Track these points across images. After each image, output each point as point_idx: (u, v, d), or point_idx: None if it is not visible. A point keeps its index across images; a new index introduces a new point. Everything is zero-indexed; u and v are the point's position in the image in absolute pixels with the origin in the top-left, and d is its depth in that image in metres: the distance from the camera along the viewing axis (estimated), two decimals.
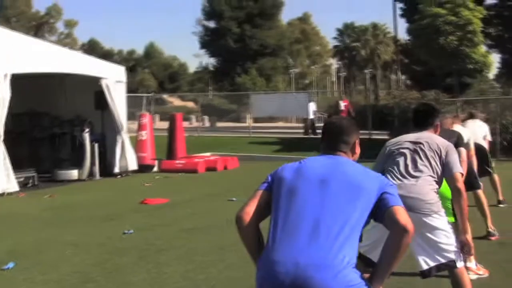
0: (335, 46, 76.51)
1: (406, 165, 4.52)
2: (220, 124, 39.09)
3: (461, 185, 4.48)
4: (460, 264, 4.43)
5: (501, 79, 42.52)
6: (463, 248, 4.50)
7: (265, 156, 22.42)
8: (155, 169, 18.14)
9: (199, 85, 60.74)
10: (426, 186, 4.41)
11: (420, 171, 4.48)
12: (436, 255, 4.36)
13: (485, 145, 9.82)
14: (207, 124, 39.35)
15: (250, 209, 3.01)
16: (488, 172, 9.81)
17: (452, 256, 4.38)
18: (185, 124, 24.56)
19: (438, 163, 4.52)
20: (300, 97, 32.61)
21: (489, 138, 10.25)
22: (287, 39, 61.14)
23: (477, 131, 9.51)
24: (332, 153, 3.11)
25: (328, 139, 3.19)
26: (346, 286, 2.67)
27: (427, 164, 4.52)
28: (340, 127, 3.21)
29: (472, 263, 5.97)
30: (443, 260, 4.37)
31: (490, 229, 7.89)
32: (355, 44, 71.92)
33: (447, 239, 4.39)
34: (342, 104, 29.17)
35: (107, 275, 6.47)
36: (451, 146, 4.71)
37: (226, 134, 31.44)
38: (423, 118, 4.94)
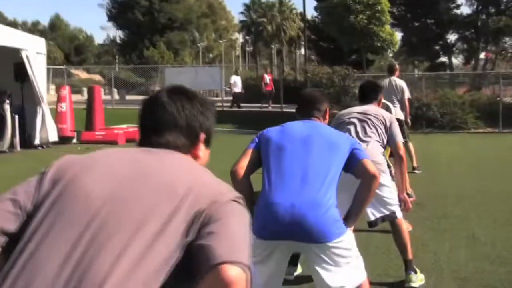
0: (242, 21, 77.07)
1: (356, 132, 5.12)
2: (129, 97, 38.82)
3: (402, 152, 5.19)
4: (399, 215, 5.19)
5: (400, 57, 44.50)
6: (402, 204, 5.23)
7: None
8: (74, 140, 18.15)
9: (106, 58, 59.79)
10: (375, 149, 5.02)
11: (369, 136, 5.10)
12: (381, 207, 5.06)
13: (401, 116, 10.65)
14: (116, 97, 38.96)
15: (243, 164, 3.62)
16: (404, 141, 10.67)
17: (394, 208, 5.12)
18: None
19: (384, 132, 5.17)
20: (212, 70, 32.98)
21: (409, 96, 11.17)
22: (195, 13, 61.06)
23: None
24: (308, 118, 3.76)
25: (304, 107, 3.87)
26: (334, 220, 3.36)
27: (375, 131, 5.14)
28: (314, 97, 3.97)
29: None
30: (386, 212, 5.09)
31: (408, 191, 8.70)
32: (262, 19, 72.67)
33: (390, 194, 5.10)
34: (268, 78, 29.88)
35: None
36: (393, 118, 5.43)
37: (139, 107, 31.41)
38: (369, 93, 5.61)
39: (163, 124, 1.86)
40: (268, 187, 3.43)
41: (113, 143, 17.61)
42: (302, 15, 40.95)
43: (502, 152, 15.22)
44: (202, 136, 1.90)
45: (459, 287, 5.07)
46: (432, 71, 37.89)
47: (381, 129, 5.17)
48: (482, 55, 40.95)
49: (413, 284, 5.05)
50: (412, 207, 5.83)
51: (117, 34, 62.62)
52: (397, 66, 11.81)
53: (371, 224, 5.17)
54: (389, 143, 5.21)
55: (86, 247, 1.52)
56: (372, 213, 5.05)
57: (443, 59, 44.31)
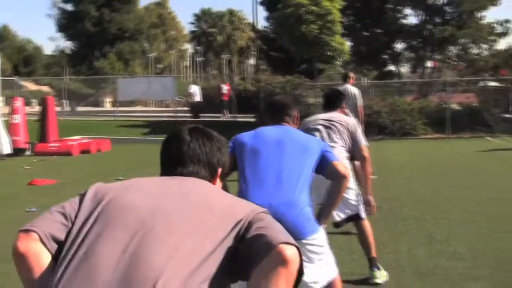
0: (192, 31, 77.12)
1: (322, 138, 5.35)
2: (79, 109, 38.49)
3: (367, 154, 5.44)
4: (363, 216, 5.44)
5: (349, 66, 45.22)
6: (367, 206, 5.49)
7: (136, 139, 22.81)
8: (28, 152, 17.99)
9: (55, 69, 58.94)
10: (340, 154, 5.26)
11: (335, 142, 5.34)
12: (346, 209, 5.30)
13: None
14: (66, 108, 38.58)
15: None
16: None
17: (357, 209, 5.36)
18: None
19: (348, 137, 5.43)
20: (164, 81, 33.02)
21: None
22: (145, 23, 60.84)
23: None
24: (279, 123, 3.99)
25: (276, 113, 4.10)
26: (307, 218, 3.58)
27: (340, 137, 5.40)
28: (285, 104, 4.21)
29: None
30: (352, 213, 5.33)
31: None
32: (212, 29, 72.89)
33: (355, 197, 5.36)
34: (225, 88, 29.98)
35: None
36: (356, 123, 5.68)
37: (90, 118, 31.19)
38: (333, 101, 5.87)
39: (187, 157, 2.09)
40: (245, 188, 3.62)
41: (67, 154, 17.52)
42: (253, 25, 41.26)
43: (450, 157, 15.76)
44: (220, 170, 2.16)
45: (420, 282, 5.35)
46: (380, 79, 38.63)
47: (345, 134, 5.42)
48: (429, 64, 41.92)
49: (377, 280, 5.32)
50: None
51: (67, 45, 62.28)
52: (351, 74, 12.11)
53: (337, 225, 5.42)
54: (354, 147, 5.45)
55: (138, 246, 1.74)
56: (337, 215, 5.29)
57: (391, 67, 45.16)
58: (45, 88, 48.10)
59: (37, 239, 1.82)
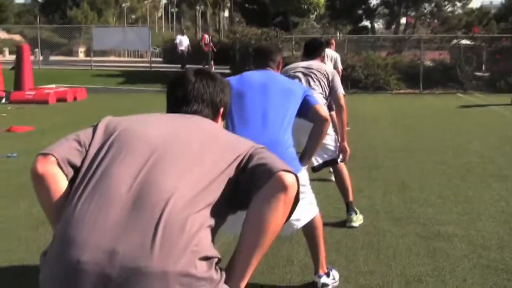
0: None
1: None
2: (52, 58, 38.03)
3: (343, 102, 5.65)
4: (340, 161, 5.68)
5: (322, 20, 45.22)
6: (342, 153, 5.73)
7: (111, 88, 22.81)
8: (3, 100, 17.92)
9: (27, 18, 57.84)
10: (319, 101, 5.48)
11: (313, 89, 5.52)
12: (324, 154, 5.54)
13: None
14: (40, 57, 38.09)
15: None
16: None
17: (335, 155, 5.60)
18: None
19: (326, 85, 5.62)
20: (140, 30, 32.78)
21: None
22: None
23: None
24: (263, 68, 4.17)
25: (260, 59, 4.29)
26: (291, 158, 3.76)
27: (318, 84, 5.58)
28: (269, 50, 4.41)
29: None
30: (328, 158, 5.57)
31: None
32: None
33: (332, 142, 5.60)
34: (207, 38, 29.93)
35: (17, 191, 6.96)
36: (335, 72, 5.87)
37: (64, 67, 30.94)
38: (313, 50, 6.03)
39: (192, 96, 2.25)
40: (232, 129, 3.78)
41: (43, 102, 17.51)
42: None
43: (422, 111, 16.10)
44: (222, 110, 2.32)
45: (394, 225, 5.63)
46: (354, 34, 38.74)
47: (324, 82, 5.60)
48: (403, 20, 42.11)
49: (353, 224, 5.59)
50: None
51: None
52: (332, 41, 12.47)
53: (315, 169, 5.64)
54: (331, 95, 5.65)
55: (150, 171, 1.90)
56: (316, 160, 5.52)
57: (366, 23, 45.28)
58: (17, 37, 47.35)
59: (55, 162, 1.96)
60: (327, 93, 5.61)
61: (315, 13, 27.42)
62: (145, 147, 1.97)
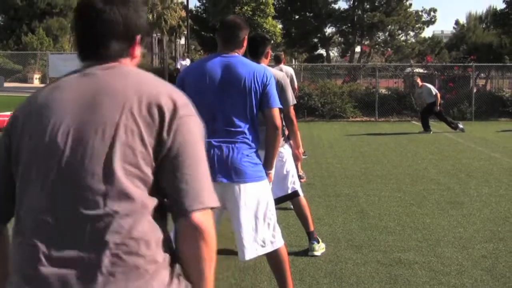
0: None
1: None
2: (6, 84, 37.46)
3: (292, 115, 5.50)
4: (300, 194, 5.72)
5: (278, 48, 45.72)
6: (296, 161, 5.75)
7: None
8: None
9: None
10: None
11: None
12: (283, 189, 5.59)
13: None
14: None
15: None
16: None
17: (294, 189, 5.65)
18: None
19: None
20: None
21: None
22: None
23: None
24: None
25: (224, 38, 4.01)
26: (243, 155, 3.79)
27: None
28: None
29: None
30: (289, 191, 5.63)
31: (300, 173, 9.37)
32: None
33: (291, 177, 5.64)
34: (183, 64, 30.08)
35: None
36: (286, 78, 5.62)
37: (19, 94, 30.48)
38: (256, 48, 5.29)
39: (102, 33, 1.85)
40: None
41: None
42: (184, 5, 41.07)
43: (379, 138, 16.33)
44: (138, 37, 1.92)
45: (355, 253, 5.70)
46: (310, 62, 39.22)
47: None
48: (358, 49, 42.84)
49: (315, 253, 5.63)
50: (304, 187, 6.45)
51: None
52: (283, 56, 12.53)
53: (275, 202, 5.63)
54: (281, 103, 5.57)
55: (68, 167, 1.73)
56: (275, 194, 5.52)
57: (321, 51, 45.91)
58: None
59: None
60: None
61: (271, 41, 27.71)
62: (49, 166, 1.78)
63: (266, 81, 3.88)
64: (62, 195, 1.71)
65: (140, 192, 1.73)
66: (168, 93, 1.83)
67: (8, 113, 20.96)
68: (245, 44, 4.05)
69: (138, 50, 1.94)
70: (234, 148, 3.75)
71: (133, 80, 1.83)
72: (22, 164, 1.78)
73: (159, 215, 1.79)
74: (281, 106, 4.05)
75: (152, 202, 1.76)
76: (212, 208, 1.79)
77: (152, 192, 1.76)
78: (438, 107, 17.36)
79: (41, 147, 1.76)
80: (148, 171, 1.75)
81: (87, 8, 1.86)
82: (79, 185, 1.70)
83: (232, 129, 3.78)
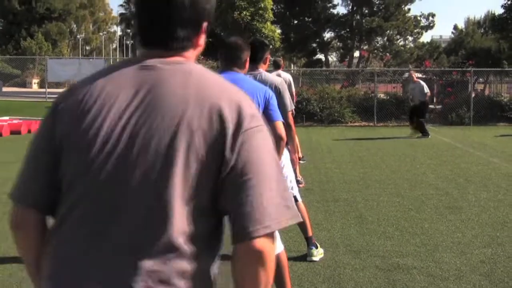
0: (121, 14, 76.00)
1: None
2: (5, 89, 37.55)
3: (290, 120, 5.52)
4: (299, 198, 5.69)
5: (277, 53, 45.83)
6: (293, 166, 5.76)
7: None
8: None
9: None
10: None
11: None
12: None
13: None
14: None
15: None
16: None
17: (294, 192, 5.62)
18: None
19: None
20: (96, 62, 32.63)
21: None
22: (74, 4, 59.65)
23: None
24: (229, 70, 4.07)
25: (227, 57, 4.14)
26: None
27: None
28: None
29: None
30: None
31: (298, 178, 9.37)
32: None
33: (288, 183, 5.61)
34: None
35: None
36: (284, 83, 5.66)
37: (18, 99, 30.54)
38: (255, 53, 5.69)
39: (168, 18, 1.68)
40: None
41: None
42: None
43: (377, 143, 16.36)
44: (205, 25, 1.74)
45: (353, 258, 5.71)
46: (309, 67, 39.32)
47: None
48: (356, 54, 42.96)
49: (314, 258, 5.63)
50: (302, 192, 6.45)
51: None
52: (282, 62, 12.56)
53: None
54: (279, 108, 5.61)
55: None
56: None
57: (320, 56, 46.02)
58: None
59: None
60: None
61: (270, 46, 27.78)
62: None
63: (268, 97, 4.07)
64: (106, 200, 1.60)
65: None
66: (233, 101, 1.64)
67: (7, 117, 21.05)
68: (247, 65, 4.22)
69: (203, 39, 1.75)
70: None
71: (194, 82, 1.65)
72: (68, 165, 1.66)
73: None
74: (283, 120, 4.19)
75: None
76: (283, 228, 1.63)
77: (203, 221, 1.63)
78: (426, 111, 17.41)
79: (88, 151, 1.62)
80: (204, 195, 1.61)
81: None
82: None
83: None
